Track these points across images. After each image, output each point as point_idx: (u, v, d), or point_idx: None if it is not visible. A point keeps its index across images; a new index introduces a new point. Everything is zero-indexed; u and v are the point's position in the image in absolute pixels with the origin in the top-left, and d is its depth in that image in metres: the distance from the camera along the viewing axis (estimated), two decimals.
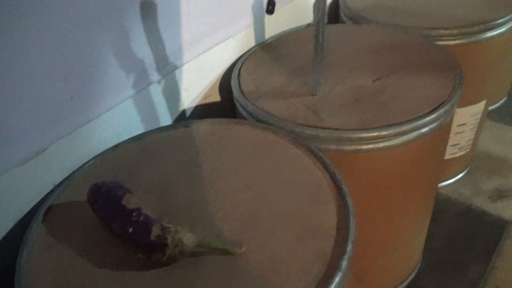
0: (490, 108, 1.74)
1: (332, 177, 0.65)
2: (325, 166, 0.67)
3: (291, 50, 1.05)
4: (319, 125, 0.78)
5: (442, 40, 1.10)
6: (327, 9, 0.94)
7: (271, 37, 1.14)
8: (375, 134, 0.75)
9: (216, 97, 1.05)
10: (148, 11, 0.80)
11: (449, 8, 1.20)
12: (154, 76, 0.87)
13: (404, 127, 0.77)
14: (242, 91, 0.90)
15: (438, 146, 0.92)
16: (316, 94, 0.87)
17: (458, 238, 1.26)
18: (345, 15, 1.28)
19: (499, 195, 1.38)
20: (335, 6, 1.39)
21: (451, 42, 1.10)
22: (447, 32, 1.10)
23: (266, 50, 1.06)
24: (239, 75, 0.96)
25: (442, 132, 0.89)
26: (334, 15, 1.40)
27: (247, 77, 0.95)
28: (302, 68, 0.97)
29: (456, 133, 1.29)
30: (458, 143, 1.33)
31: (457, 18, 1.14)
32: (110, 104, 0.79)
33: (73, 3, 0.67)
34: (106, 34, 0.74)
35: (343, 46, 1.04)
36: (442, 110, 0.80)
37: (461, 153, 1.37)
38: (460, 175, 1.45)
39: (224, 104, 1.06)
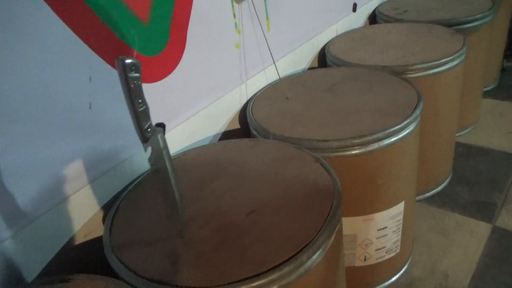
0: (430, 192, 1.68)
1: None
2: None
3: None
4: (174, 282, 0.72)
5: (343, 151, 1.07)
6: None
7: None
8: None
9: None
10: None
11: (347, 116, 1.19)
12: None
13: (262, 280, 0.71)
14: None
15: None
16: (183, 237, 0.82)
17: None
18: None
19: None
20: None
21: (355, 151, 1.07)
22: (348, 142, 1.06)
23: (138, 192, 1.02)
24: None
25: (317, 273, 0.82)
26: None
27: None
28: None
29: (378, 238, 1.23)
30: (384, 246, 1.26)
31: (355, 126, 1.11)
32: None
33: None
34: None
35: (228, 169, 1.00)
36: (304, 256, 0.74)
37: (391, 255, 1.29)
38: (395, 277, 1.36)
39: None
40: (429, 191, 1.68)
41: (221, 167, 1.02)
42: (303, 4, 1.52)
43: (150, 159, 0.70)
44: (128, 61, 0.60)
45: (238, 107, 1.33)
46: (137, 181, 1.01)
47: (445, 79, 1.44)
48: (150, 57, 1.01)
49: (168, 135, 1.10)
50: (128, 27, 0.93)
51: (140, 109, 0.64)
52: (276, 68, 1.37)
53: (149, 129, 0.67)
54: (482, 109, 2.12)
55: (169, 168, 0.72)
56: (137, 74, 0.61)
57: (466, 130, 2.02)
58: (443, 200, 1.65)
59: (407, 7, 1.97)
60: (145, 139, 0.66)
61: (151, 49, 1.01)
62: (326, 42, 1.71)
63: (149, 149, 0.69)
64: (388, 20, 1.87)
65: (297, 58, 1.56)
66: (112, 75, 0.92)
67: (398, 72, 1.39)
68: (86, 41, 0.86)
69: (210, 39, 1.16)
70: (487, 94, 2.29)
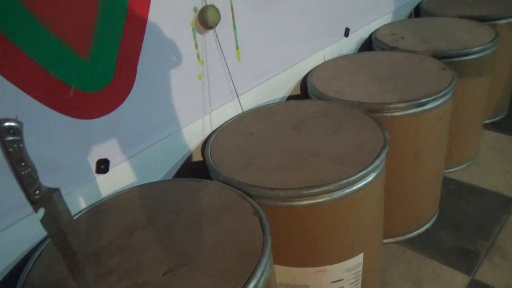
0: (411, 234, 1.59)
1: None
2: None
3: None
4: None
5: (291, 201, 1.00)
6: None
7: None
8: None
9: None
10: None
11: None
12: None
13: None
14: None
15: None
16: None
17: None
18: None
19: None
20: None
21: (303, 202, 1.00)
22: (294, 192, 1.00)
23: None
24: None
25: None
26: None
27: None
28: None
29: None
30: None
31: (309, 174, 1.04)
32: None
33: None
34: None
35: (164, 215, 0.95)
36: None
37: None
38: None
39: None
40: (410, 232, 1.59)
41: (158, 212, 0.97)
42: (283, 31, 1.45)
43: (42, 221, 0.66)
44: (5, 124, 0.56)
45: (201, 138, 1.28)
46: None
47: (426, 119, 1.34)
48: (92, 92, 0.97)
49: (114, 171, 1.06)
50: (63, 63, 0.90)
51: (23, 172, 0.60)
52: (239, 102, 1.31)
53: (37, 191, 0.62)
54: (483, 143, 2.00)
55: (67, 232, 0.68)
56: (16, 138, 0.57)
57: (462, 166, 1.90)
58: (423, 244, 1.55)
59: (405, 33, 1.87)
60: (32, 201, 0.62)
61: (92, 85, 0.97)
62: (311, 68, 1.64)
63: (42, 210, 0.65)
64: (382, 47, 1.78)
65: (274, 87, 1.49)
66: (44, 113, 0.89)
67: (374, 110, 1.31)
68: (11, 79, 0.82)
69: (165, 70, 1.11)
70: (491, 126, 2.16)
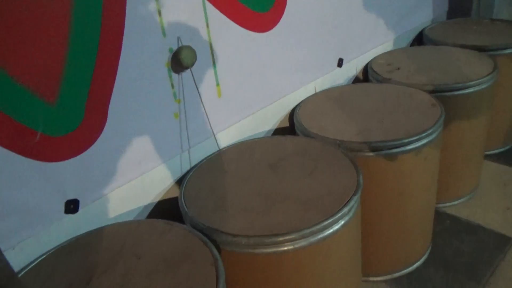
0: (399, 273, 1.54)
1: None
2: None
3: None
4: None
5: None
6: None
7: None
8: None
9: None
10: None
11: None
12: None
13: None
14: None
15: None
16: None
17: None
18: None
19: None
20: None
21: (266, 250, 0.99)
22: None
23: None
24: None
25: None
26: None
27: None
28: None
29: None
30: None
31: (275, 220, 1.03)
32: None
33: None
34: None
35: (126, 259, 0.96)
36: None
37: None
38: None
39: None
40: (398, 271, 1.54)
41: (120, 255, 0.98)
42: (269, 65, 1.45)
43: None
44: None
45: (179, 175, 1.29)
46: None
47: (409, 159, 1.31)
48: (59, 136, 0.99)
49: (84, 210, 1.08)
50: (28, 110, 0.92)
51: None
52: (215, 140, 1.31)
53: None
54: (484, 175, 1.93)
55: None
56: None
57: (460, 200, 1.84)
58: (411, 284, 1.51)
59: (402, 63, 1.84)
60: None
61: (60, 129, 0.99)
62: (300, 100, 1.63)
63: None
64: (377, 78, 1.75)
65: (260, 120, 1.49)
66: (9, 157, 0.91)
67: (355, 149, 1.28)
68: None
69: (138, 110, 1.12)
70: (495, 158, 2.09)
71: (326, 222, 0.99)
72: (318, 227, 0.99)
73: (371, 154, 1.28)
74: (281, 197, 1.10)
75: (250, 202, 1.10)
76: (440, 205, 1.82)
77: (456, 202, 1.84)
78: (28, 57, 0.89)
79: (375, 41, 1.93)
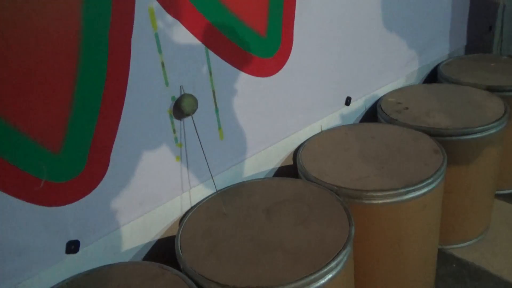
0: None
1: None
2: None
3: None
4: None
5: None
6: None
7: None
8: None
9: None
10: None
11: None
12: None
13: None
14: None
15: None
16: None
17: None
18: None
19: None
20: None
21: None
22: None
23: None
24: None
25: None
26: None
27: None
28: None
29: None
30: None
31: (260, 271, 1.06)
32: None
33: None
34: None
35: None
36: None
37: None
38: None
39: None
40: None
41: None
42: (273, 107, 1.49)
43: None
44: None
45: (179, 214, 1.33)
46: None
47: (408, 208, 1.31)
48: (62, 182, 1.05)
49: (84, 251, 1.13)
50: (32, 159, 0.99)
51: None
52: (214, 183, 1.35)
53: None
54: (497, 216, 1.90)
55: None
56: None
57: (468, 243, 1.81)
58: None
59: (411, 103, 1.84)
60: None
61: (64, 176, 1.05)
62: (305, 139, 1.65)
63: None
64: (384, 118, 1.76)
65: (263, 160, 1.52)
66: (13, 204, 0.98)
67: (353, 197, 1.30)
68: None
69: (140, 155, 1.18)
70: (509, 198, 2.04)
71: (312, 277, 1.01)
72: (303, 281, 1.01)
73: (368, 202, 1.29)
74: (272, 246, 1.13)
75: (241, 249, 1.13)
76: (447, 247, 1.80)
77: (464, 245, 1.81)
78: (34, 109, 0.96)
79: (385, 78, 1.94)
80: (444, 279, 1.67)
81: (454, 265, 1.73)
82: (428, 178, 1.31)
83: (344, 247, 1.09)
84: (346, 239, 1.11)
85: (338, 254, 1.07)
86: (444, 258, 1.76)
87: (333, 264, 1.05)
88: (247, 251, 1.12)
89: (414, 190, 1.29)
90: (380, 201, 1.29)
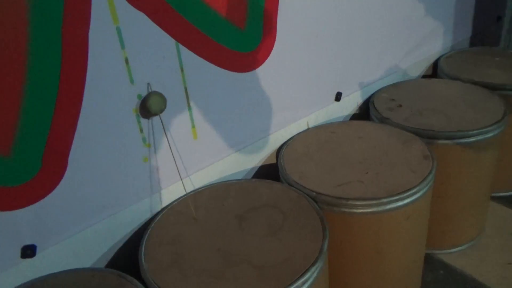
0: None
1: None
2: None
3: None
4: None
5: None
6: None
7: None
8: None
9: None
10: None
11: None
12: None
13: None
14: None
15: None
16: None
17: None
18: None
19: None
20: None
21: None
22: None
23: None
24: None
25: None
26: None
27: None
28: None
29: None
30: None
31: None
32: None
33: None
34: None
35: None
36: None
37: None
38: None
39: None
40: None
41: None
42: (254, 103, 1.40)
43: None
44: None
45: (148, 216, 1.27)
46: None
47: (390, 218, 1.24)
48: (14, 186, 0.99)
49: (41, 255, 1.08)
50: None
51: None
52: (183, 185, 1.28)
53: None
54: (491, 220, 1.83)
55: None
56: None
57: (458, 248, 1.74)
58: None
59: (405, 100, 1.74)
60: None
61: (15, 179, 0.99)
62: (291, 136, 1.57)
63: None
64: (376, 115, 1.66)
65: (241, 159, 1.45)
66: None
67: (332, 204, 1.22)
68: None
69: (102, 156, 1.11)
70: (505, 201, 1.96)
71: None
72: None
73: (348, 210, 1.22)
74: (240, 258, 1.06)
75: (207, 261, 1.06)
76: (437, 251, 1.73)
77: (454, 250, 1.74)
78: None
79: (380, 72, 1.83)
80: (431, 285, 1.60)
81: (442, 272, 1.67)
82: (413, 188, 1.23)
83: (313, 263, 1.02)
84: (318, 255, 1.04)
85: (306, 271, 1.00)
86: (432, 263, 1.70)
87: (299, 281, 0.98)
88: (213, 263, 1.06)
89: (396, 200, 1.21)
90: (360, 210, 1.21)
